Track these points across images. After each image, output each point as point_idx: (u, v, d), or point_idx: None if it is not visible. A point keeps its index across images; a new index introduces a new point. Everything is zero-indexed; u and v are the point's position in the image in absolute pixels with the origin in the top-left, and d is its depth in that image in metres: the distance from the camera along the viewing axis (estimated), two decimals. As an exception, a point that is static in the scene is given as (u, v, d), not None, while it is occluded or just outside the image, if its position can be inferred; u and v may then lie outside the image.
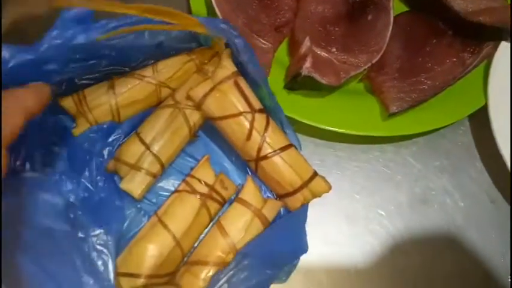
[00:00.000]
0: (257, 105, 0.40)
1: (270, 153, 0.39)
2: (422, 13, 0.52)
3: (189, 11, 0.51)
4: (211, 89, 0.39)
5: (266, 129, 0.39)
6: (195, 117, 0.42)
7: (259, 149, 0.39)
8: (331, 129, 0.46)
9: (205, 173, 0.42)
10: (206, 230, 0.42)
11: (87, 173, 0.40)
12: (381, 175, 0.49)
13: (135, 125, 0.43)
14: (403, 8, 0.55)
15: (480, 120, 0.50)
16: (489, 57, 0.49)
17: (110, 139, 0.42)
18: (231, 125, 0.39)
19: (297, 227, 0.38)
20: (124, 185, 0.40)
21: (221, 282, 0.34)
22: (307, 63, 0.44)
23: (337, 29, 0.50)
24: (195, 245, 0.41)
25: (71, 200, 0.38)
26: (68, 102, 0.41)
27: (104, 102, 0.42)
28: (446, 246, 0.47)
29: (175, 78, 0.43)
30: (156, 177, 0.41)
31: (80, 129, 0.42)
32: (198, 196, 0.40)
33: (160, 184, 0.44)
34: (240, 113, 0.39)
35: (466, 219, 0.48)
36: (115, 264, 0.36)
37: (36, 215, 0.35)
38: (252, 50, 0.39)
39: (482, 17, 0.48)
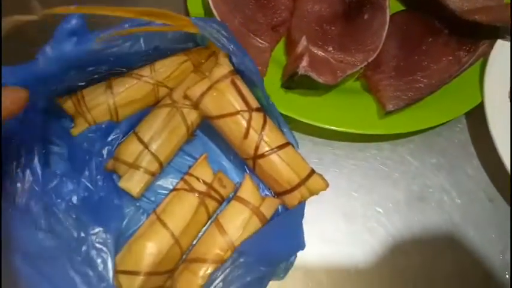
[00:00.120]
0: (254, 103, 0.40)
1: (268, 151, 0.39)
2: (418, 12, 0.53)
3: (187, 13, 0.52)
4: (209, 88, 0.39)
5: (263, 127, 0.39)
6: (192, 116, 0.42)
7: (257, 148, 0.39)
8: (329, 128, 0.46)
9: (203, 172, 0.42)
10: (204, 228, 0.42)
11: (87, 173, 0.40)
12: (378, 173, 0.49)
13: (133, 124, 0.43)
14: (399, 7, 0.55)
15: (477, 118, 0.50)
16: (485, 56, 0.50)
17: (109, 139, 0.42)
18: (229, 123, 0.39)
19: (294, 224, 0.38)
20: (123, 184, 0.40)
21: (217, 281, 0.35)
22: (304, 62, 0.45)
23: (333, 28, 0.50)
24: (194, 242, 0.41)
25: (73, 200, 0.38)
26: (66, 103, 0.42)
27: (102, 102, 0.42)
28: (444, 243, 0.47)
29: (172, 78, 0.43)
30: (155, 176, 0.42)
31: (78, 129, 0.42)
32: (197, 194, 0.40)
33: (159, 182, 0.44)
34: (237, 112, 0.39)
35: (463, 216, 0.48)
36: (114, 262, 0.36)
37: (37, 217, 0.35)
38: (244, 50, 0.40)
39: (478, 16, 0.48)
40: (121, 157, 0.41)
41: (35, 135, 0.38)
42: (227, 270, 0.35)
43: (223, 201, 0.43)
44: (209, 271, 0.37)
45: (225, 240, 0.38)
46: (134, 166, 0.40)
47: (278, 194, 0.41)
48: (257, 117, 0.39)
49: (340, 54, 0.48)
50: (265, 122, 0.40)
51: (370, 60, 0.48)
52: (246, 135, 0.39)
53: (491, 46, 0.49)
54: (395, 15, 0.52)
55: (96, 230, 0.36)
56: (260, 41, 0.49)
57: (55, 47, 0.36)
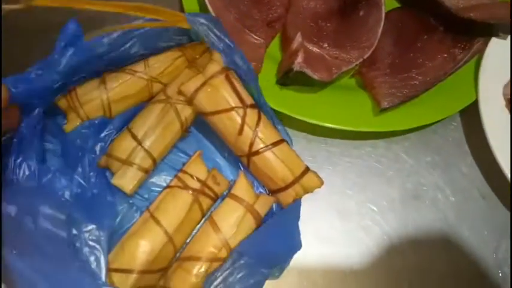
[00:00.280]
0: (248, 100, 0.40)
1: (262, 148, 0.39)
2: (413, 9, 0.53)
3: (182, 8, 0.51)
4: (203, 84, 0.39)
5: (258, 124, 0.39)
6: (186, 112, 0.42)
7: (251, 144, 0.39)
8: (323, 125, 0.46)
9: (197, 169, 0.42)
10: (198, 225, 0.41)
11: (80, 169, 0.39)
12: (372, 170, 0.49)
13: (126, 120, 0.43)
14: (395, 4, 0.55)
15: (471, 116, 0.50)
16: (480, 53, 0.50)
17: (102, 135, 0.42)
18: (223, 120, 0.39)
19: (291, 224, 0.38)
20: (115, 181, 0.40)
21: (217, 282, 0.34)
22: (299, 59, 0.44)
23: (328, 24, 0.50)
24: (188, 240, 0.41)
25: (65, 196, 0.37)
26: (59, 98, 0.41)
27: (95, 97, 0.41)
28: (438, 240, 0.47)
29: (166, 73, 0.43)
30: (148, 173, 0.41)
31: (71, 124, 0.42)
32: (190, 192, 0.40)
33: (152, 180, 0.44)
34: (232, 108, 0.39)
35: (458, 214, 0.48)
36: (107, 260, 0.36)
37: (31, 215, 0.35)
38: (236, 47, 0.39)
39: (473, 13, 0.48)
40: (114, 153, 0.40)
41: (30, 133, 0.37)
42: (227, 272, 0.34)
43: (217, 198, 0.42)
44: (203, 269, 0.37)
45: (219, 238, 0.38)
46: (127, 163, 0.40)
47: (272, 192, 0.41)
48: (251, 114, 0.39)
49: (336, 50, 0.48)
50: (259, 118, 0.39)
51: (365, 57, 0.48)
52: (241, 131, 0.39)
53: (486, 44, 0.49)
54: (390, 12, 0.52)
55: (89, 227, 0.36)
56: (255, 37, 0.49)
57: (53, 60, 0.37)
